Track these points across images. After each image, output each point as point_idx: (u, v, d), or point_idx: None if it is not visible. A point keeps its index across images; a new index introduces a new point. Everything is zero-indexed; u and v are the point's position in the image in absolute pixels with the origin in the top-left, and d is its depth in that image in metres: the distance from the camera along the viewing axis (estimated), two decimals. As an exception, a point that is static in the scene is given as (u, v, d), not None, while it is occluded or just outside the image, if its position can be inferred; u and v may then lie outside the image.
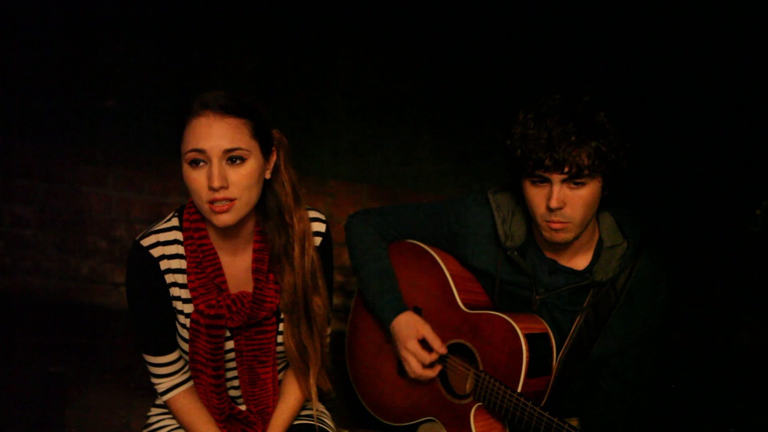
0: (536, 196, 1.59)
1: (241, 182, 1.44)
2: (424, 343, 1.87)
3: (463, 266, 1.91)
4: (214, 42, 3.00)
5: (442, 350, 1.83)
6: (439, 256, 1.92)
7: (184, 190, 3.08)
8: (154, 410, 1.77)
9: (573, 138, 1.49)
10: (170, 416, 1.73)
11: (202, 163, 1.43)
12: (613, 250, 1.67)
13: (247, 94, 3.02)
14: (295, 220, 1.58)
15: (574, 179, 1.53)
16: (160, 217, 1.62)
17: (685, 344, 2.54)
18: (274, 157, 1.56)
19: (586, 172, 1.52)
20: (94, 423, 2.46)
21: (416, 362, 1.85)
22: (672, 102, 2.60)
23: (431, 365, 1.87)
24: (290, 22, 2.95)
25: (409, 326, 1.87)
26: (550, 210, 1.56)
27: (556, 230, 1.59)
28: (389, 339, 1.96)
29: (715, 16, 2.48)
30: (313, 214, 1.68)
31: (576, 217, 1.57)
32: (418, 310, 1.95)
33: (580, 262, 1.71)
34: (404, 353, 1.87)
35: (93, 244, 3.18)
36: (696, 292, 2.53)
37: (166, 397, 1.64)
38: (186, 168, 1.44)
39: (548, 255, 1.73)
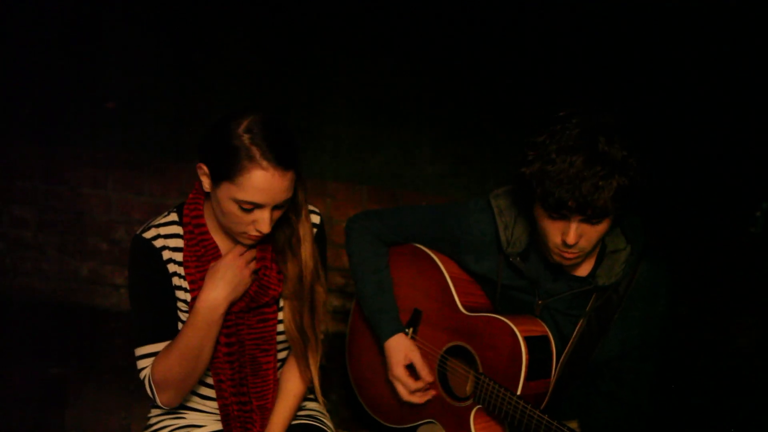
0: (551, 228, 1.56)
1: (276, 219, 1.54)
2: (413, 368, 1.88)
3: (464, 270, 1.91)
4: (214, 43, 3.00)
5: (429, 379, 1.85)
6: (439, 258, 1.92)
7: (183, 191, 3.09)
8: (155, 411, 1.77)
9: (600, 183, 1.43)
10: (171, 417, 1.73)
11: (252, 207, 1.48)
12: (616, 255, 1.66)
13: (247, 95, 3.04)
14: (303, 216, 1.64)
15: (593, 219, 1.51)
16: (159, 218, 1.65)
17: (685, 344, 2.54)
18: None
19: (606, 212, 1.49)
20: (94, 424, 2.46)
21: (403, 388, 1.87)
22: (671, 103, 2.60)
23: (421, 390, 1.88)
24: (290, 22, 2.95)
25: (398, 351, 1.88)
26: (565, 245, 1.55)
27: (568, 258, 1.59)
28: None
29: (715, 16, 2.47)
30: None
31: (589, 247, 1.56)
32: (418, 312, 1.96)
33: (584, 268, 1.70)
34: (391, 378, 1.90)
35: (93, 245, 3.18)
36: (696, 292, 2.53)
37: (145, 372, 1.58)
38: (230, 204, 1.47)
39: (552, 261, 1.72)
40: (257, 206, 1.47)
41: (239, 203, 1.46)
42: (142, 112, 3.05)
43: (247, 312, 1.63)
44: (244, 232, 1.52)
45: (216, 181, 1.48)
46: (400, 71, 2.96)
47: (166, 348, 1.57)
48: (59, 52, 3.01)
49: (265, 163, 1.43)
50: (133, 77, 3.02)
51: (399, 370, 1.88)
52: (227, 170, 1.44)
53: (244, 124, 1.44)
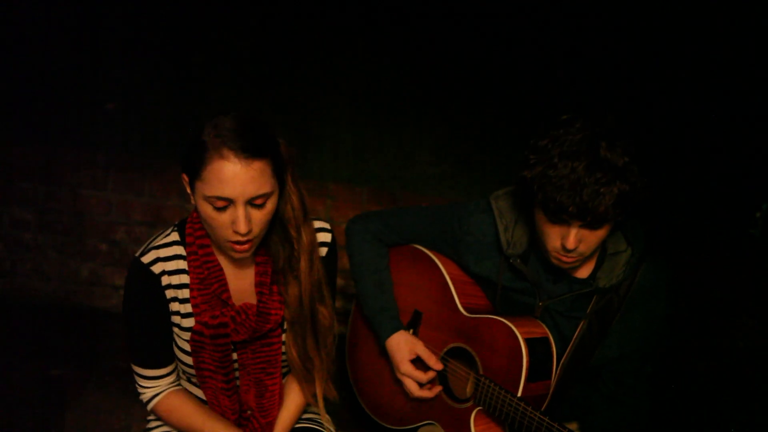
0: (551, 232, 1.56)
1: (262, 220, 1.45)
2: (419, 361, 1.87)
3: (464, 271, 1.91)
4: (214, 44, 3.00)
5: (438, 366, 1.85)
6: (439, 260, 1.92)
7: (183, 192, 3.07)
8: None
9: (601, 189, 1.44)
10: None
11: (225, 205, 1.41)
12: (616, 257, 1.66)
13: (247, 96, 3.03)
14: (303, 233, 1.56)
15: (593, 224, 1.51)
16: (159, 220, 1.63)
17: (686, 346, 2.54)
18: (287, 178, 1.53)
19: (606, 219, 1.49)
20: (94, 426, 2.46)
21: (413, 384, 1.87)
22: (671, 104, 2.60)
23: (430, 383, 1.88)
24: (290, 23, 2.95)
25: (401, 347, 1.88)
26: (564, 249, 1.55)
27: (567, 262, 1.59)
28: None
29: (715, 15, 2.48)
30: (318, 224, 1.66)
31: (588, 252, 1.57)
32: (418, 314, 1.96)
33: (584, 270, 1.71)
34: (399, 376, 1.89)
35: (93, 246, 3.18)
36: (696, 294, 2.53)
37: (152, 404, 1.62)
38: (204, 206, 1.41)
39: (551, 264, 1.71)
40: (228, 202, 1.39)
41: (210, 201, 1.39)
42: (142, 113, 3.05)
43: (250, 343, 1.60)
44: (228, 240, 1.44)
45: (192, 185, 1.42)
46: (400, 73, 2.96)
47: (176, 411, 1.61)
48: (59, 52, 3.01)
49: (225, 151, 1.36)
50: (133, 78, 3.02)
51: (406, 366, 1.87)
52: (195, 168, 1.39)
53: (213, 121, 1.40)
